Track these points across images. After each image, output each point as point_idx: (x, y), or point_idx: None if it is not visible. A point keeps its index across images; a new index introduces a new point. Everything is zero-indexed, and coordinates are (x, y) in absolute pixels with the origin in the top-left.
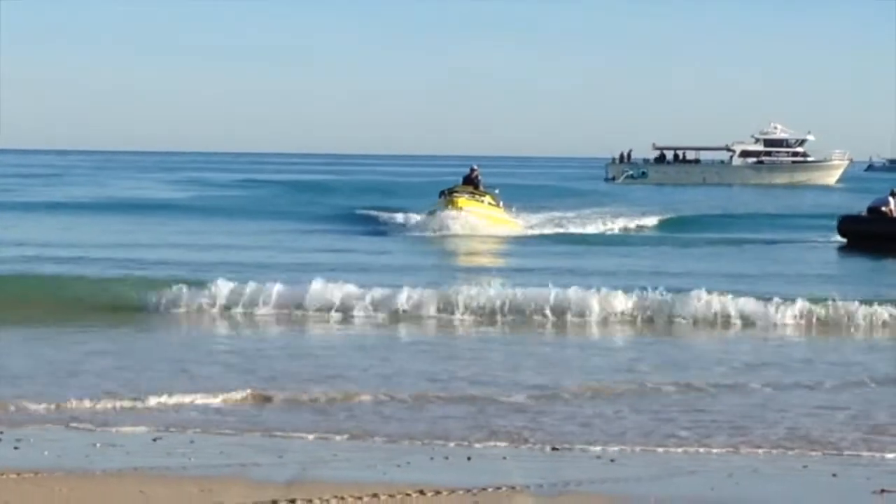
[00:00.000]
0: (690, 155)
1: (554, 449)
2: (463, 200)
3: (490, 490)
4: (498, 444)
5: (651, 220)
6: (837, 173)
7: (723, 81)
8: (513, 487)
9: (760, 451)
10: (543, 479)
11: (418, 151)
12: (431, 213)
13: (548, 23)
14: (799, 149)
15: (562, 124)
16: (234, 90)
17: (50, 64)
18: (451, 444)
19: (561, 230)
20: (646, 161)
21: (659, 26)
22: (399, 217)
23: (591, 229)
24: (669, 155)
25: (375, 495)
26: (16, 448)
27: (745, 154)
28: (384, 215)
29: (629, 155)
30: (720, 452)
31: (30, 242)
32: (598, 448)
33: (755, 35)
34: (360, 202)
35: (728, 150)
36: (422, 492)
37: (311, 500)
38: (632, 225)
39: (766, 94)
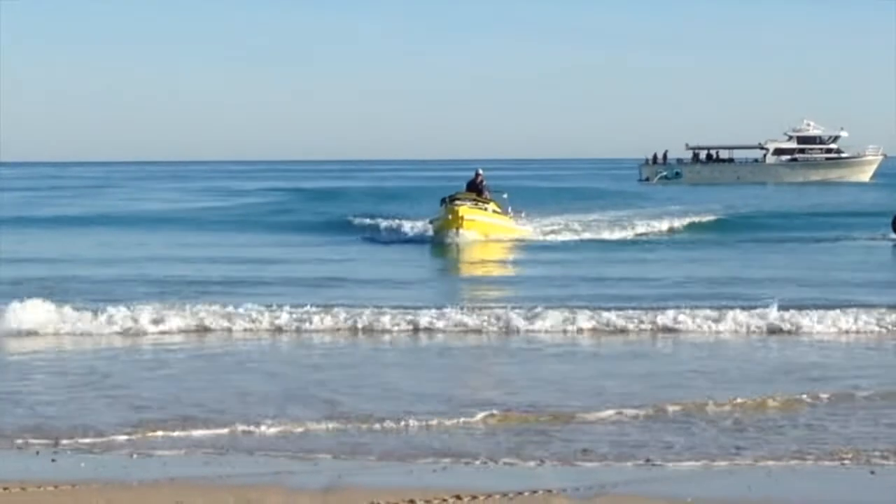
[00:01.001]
0: (724, 154)
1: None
2: (465, 209)
3: (526, 494)
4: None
5: (681, 222)
6: (872, 169)
7: (755, 79)
8: (549, 491)
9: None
10: (579, 483)
11: (445, 155)
12: (431, 222)
13: (574, 19)
14: (832, 145)
15: (593, 126)
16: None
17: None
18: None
19: (577, 236)
20: (679, 161)
21: (689, 25)
22: (398, 225)
23: (618, 234)
24: (703, 155)
25: (412, 501)
26: (53, 461)
27: (778, 152)
28: (384, 223)
29: (664, 156)
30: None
31: None
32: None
33: (786, 30)
34: (366, 208)
35: (761, 148)
36: (458, 496)
37: None
38: (663, 227)
39: (799, 91)
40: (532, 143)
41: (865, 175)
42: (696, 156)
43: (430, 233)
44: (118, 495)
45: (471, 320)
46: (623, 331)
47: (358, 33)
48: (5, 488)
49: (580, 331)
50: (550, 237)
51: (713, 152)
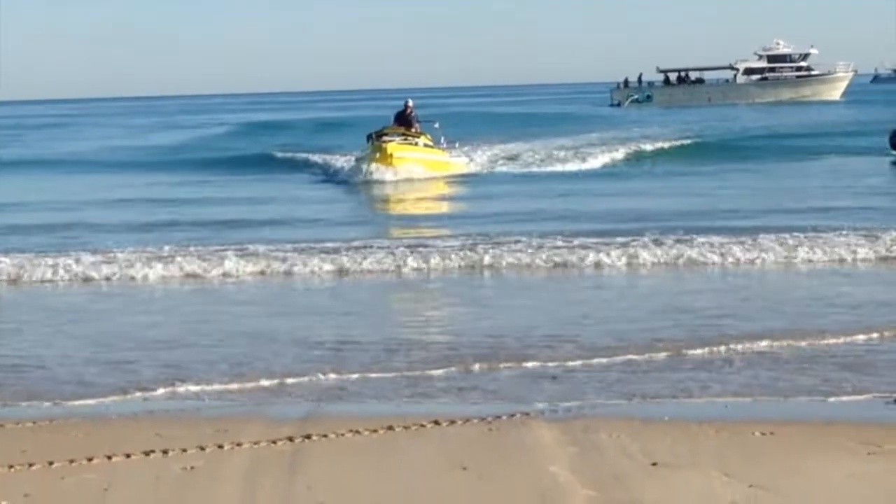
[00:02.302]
0: (694, 76)
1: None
2: (393, 146)
3: (504, 417)
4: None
5: (648, 146)
6: (843, 86)
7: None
8: (527, 414)
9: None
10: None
11: (413, 84)
12: (359, 160)
13: None
14: (802, 63)
15: (564, 51)
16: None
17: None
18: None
19: (524, 168)
20: (650, 84)
21: None
22: (322, 160)
23: (571, 165)
24: (673, 77)
25: (391, 427)
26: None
27: (749, 72)
28: (313, 158)
29: (639, 79)
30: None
31: None
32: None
33: None
34: (307, 142)
35: (732, 68)
36: (436, 422)
37: (326, 435)
38: (618, 156)
39: (768, 10)
40: (504, 69)
41: (837, 92)
42: (667, 78)
43: (355, 170)
44: (96, 429)
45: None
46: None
47: None
48: None
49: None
50: (494, 169)
51: (683, 74)
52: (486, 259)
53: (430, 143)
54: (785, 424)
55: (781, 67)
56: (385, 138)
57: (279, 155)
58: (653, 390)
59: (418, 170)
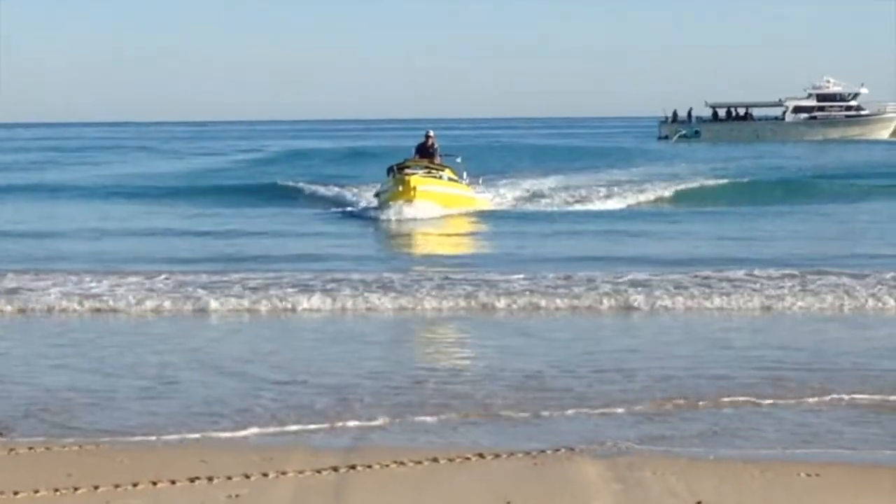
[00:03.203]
0: (743, 112)
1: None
2: (417, 178)
3: (549, 452)
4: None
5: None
6: (892, 126)
7: (775, 36)
8: (571, 449)
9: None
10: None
11: (459, 114)
12: (377, 194)
13: None
14: (852, 102)
15: (615, 84)
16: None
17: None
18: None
19: (550, 206)
20: (699, 119)
21: None
22: (337, 193)
23: (612, 203)
24: (722, 112)
25: (435, 459)
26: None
27: (798, 109)
28: (322, 190)
29: (689, 114)
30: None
31: None
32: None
33: None
34: (330, 171)
35: (781, 105)
36: (481, 455)
37: (370, 466)
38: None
39: (819, 48)
40: (552, 102)
41: (885, 132)
42: (715, 113)
43: (375, 206)
44: (142, 455)
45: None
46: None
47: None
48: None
49: None
50: (519, 206)
51: (732, 110)
52: (550, 302)
53: (455, 178)
54: (831, 466)
55: (831, 106)
56: (407, 171)
57: (291, 184)
58: (698, 429)
59: (437, 208)
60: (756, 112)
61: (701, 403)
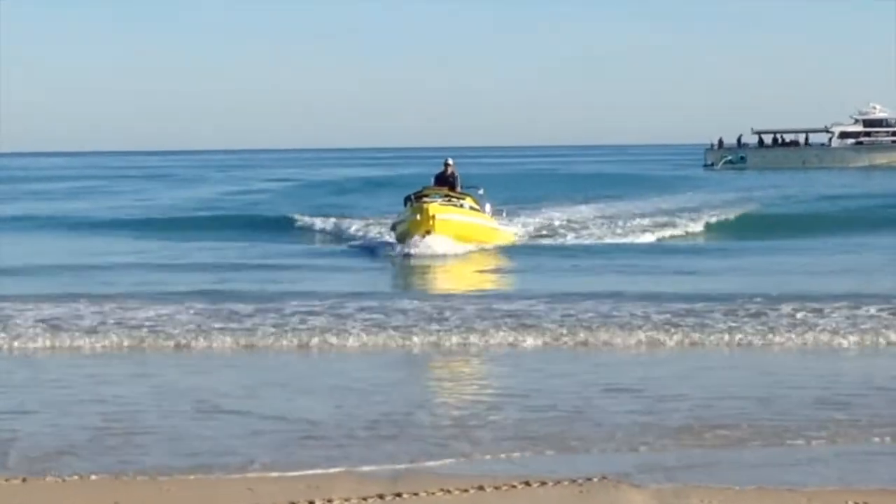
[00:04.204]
0: (789, 138)
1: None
2: (436, 207)
3: (595, 480)
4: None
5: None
6: None
7: (821, 62)
8: (618, 478)
9: None
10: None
11: (501, 142)
12: (394, 227)
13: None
14: None
15: (662, 110)
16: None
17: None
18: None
19: (583, 238)
20: (745, 146)
21: (755, 6)
22: (349, 226)
23: (646, 237)
24: (768, 139)
25: (481, 487)
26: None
27: (844, 135)
28: (321, 223)
29: (738, 140)
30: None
31: None
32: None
33: (853, 11)
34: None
35: (827, 132)
36: (527, 483)
37: (417, 494)
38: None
39: (865, 74)
40: (598, 128)
41: None
42: (761, 140)
43: (392, 239)
44: (190, 484)
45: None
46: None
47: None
48: None
49: None
50: (539, 241)
51: (779, 136)
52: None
53: (476, 207)
54: (878, 494)
55: (877, 132)
56: (426, 199)
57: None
58: (745, 460)
59: (456, 244)
60: (802, 138)
61: (748, 435)
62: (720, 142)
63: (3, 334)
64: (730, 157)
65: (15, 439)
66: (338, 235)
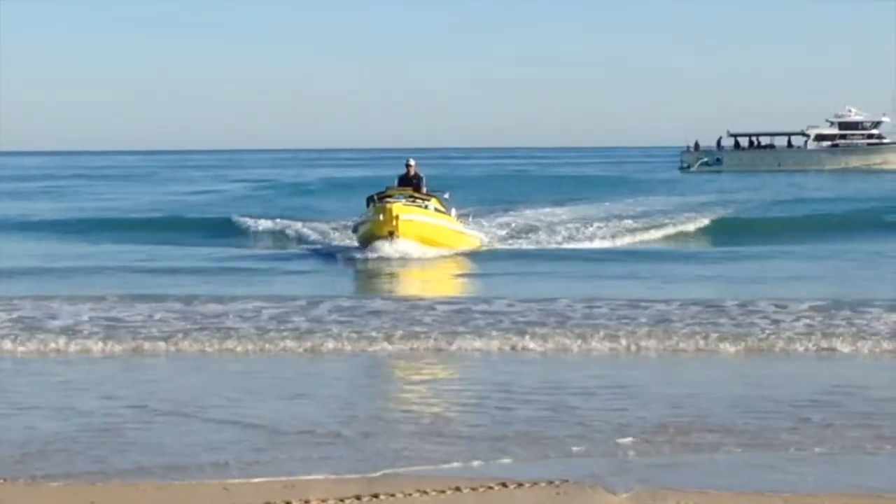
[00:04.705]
0: (765, 141)
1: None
2: (399, 207)
3: (572, 482)
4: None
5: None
6: None
7: (796, 65)
8: (594, 479)
9: None
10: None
11: (486, 143)
12: (355, 229)
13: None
14: (874, 131)
15: (641, 112)
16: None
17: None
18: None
19: (544, 243)
20: (721, 148)
21: (730, 10)
22: (298, 231)
23: (598, 242)
24: (744, 142)
25: (458, 489)
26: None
27: (820, 138)
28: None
29: (718, 143)
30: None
31: None
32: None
33: (829, 15)
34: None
35: (803, 135)
36: (504, 484)
37: (393, 495)
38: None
39: (841, 77)
40: (578, 129)
41: None
42: (737, 143)
43: (360, 242)
44: (166, 484)
45: None
46: None
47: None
48: None
49: None
50: (510, 244)
51: (755, 139)
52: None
53: (442, 209)
54: (853, 497)
55: (853, 135)
56: (388, 200)
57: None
58: (723, 463)
59: (421, 247)
60: (778, 141)
61: (731, 438)
62: (696, 144)
63: None
64: (706, 160)
65: None
66: (284, 238)
